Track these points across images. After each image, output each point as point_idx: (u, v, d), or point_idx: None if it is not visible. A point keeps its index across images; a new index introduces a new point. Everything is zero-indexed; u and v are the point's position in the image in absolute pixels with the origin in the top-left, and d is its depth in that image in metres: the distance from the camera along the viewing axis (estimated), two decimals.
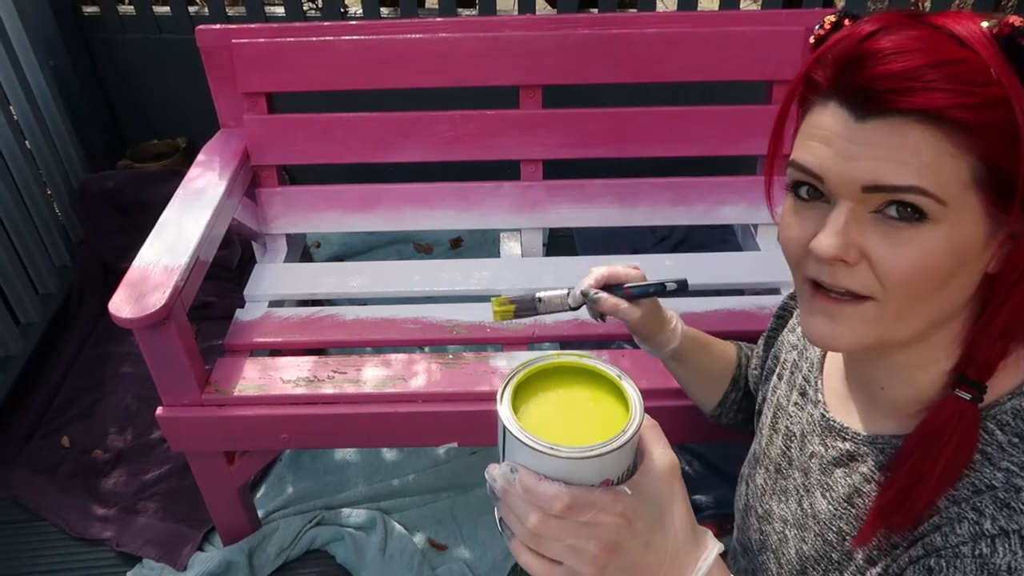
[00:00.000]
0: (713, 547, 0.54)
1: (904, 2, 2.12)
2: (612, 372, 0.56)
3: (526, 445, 0.50)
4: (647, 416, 0.53)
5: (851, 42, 0.53)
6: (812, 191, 0.57)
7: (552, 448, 0.49)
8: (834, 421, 0.69)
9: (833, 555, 0.66)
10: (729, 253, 1.67)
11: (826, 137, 0.54)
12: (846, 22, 0.57)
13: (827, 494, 0.68)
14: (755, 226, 1.70)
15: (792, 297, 0.87)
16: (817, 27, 0.58)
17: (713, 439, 1.61)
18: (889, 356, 0.62)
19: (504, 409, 0.53)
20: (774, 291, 1.55)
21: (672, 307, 1.47)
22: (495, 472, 0.52)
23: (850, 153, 0.52)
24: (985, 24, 0.51)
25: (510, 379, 0.55)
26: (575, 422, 0.54)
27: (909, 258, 0.53)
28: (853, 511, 0.65)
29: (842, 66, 0.53)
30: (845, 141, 0.53)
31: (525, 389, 0.56)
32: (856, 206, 0.54)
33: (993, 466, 0.55)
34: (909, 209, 0.52)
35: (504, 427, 0.52)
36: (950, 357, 0.60)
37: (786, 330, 0.83)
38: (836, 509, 0.66)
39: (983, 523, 0.53)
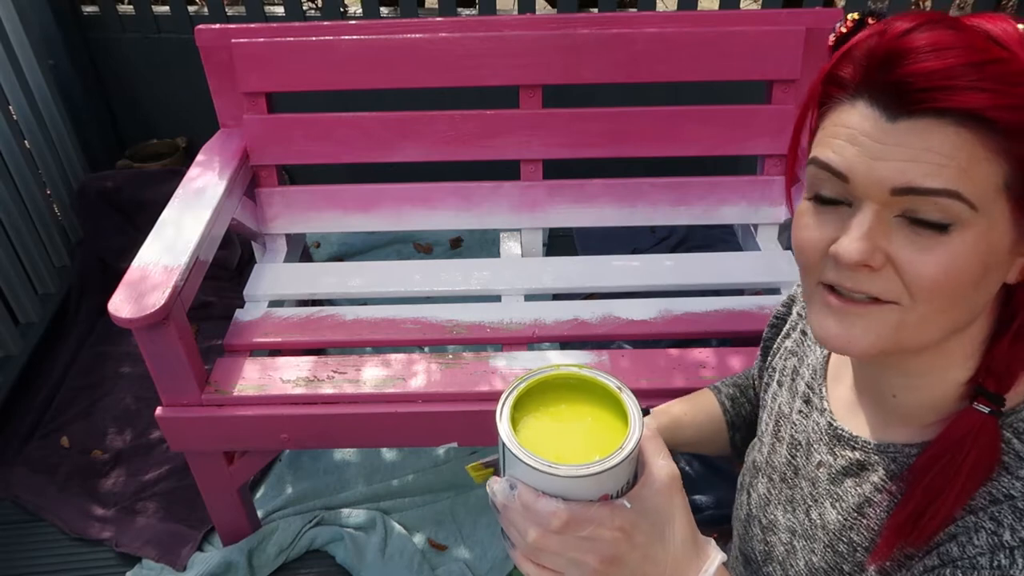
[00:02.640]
0: (716, 556, 0.54)
1: (905, 2, 2.12)
2: (612, 384, 0.56)
3: (524, 463, 0.50)
4: (648, 426, 0.54)
5: (885, 39, 0.50)
6: (832, 192, 0.54)
7: (550, 466, 0.50)
8: (842, 430, 0.67)
9: (844, 567, 0.64)
10: (729, 253, 1.67)
11: (852, 136, 0.52)
12: (869, 20, 0.55)
13: (837, 504, 0.66)
14: (755, 226, 1.70)
15: (786, 305, 0.83)
16: (838, 24, 0.57)
17: None
18: (903, 363, 0.60)
19: (504, 426, 0.53)
20: (774, 291, 1.55)
21: (668, 307, 1.47)
22: (495, 487, 0.53)
23: (879, 154, 0.50)
24: (1022, 26, 0.50)
25: (510, 392, 0.55)
26: (574, 437, 0.54)
27: (938, 264, 0.51)
28: (864, 521, 0.64)
29: (875, 63, 0.51)
30: (874, 141, 0.51)
31: (526, 401, 0.56)
32: (881, 209, 0.52)
33: (1011, 475, 0.54)
34: (936, 216, 0.50)
35: (503, 443, 0.52)
36: (966, 367, 0.58)
37: (781, 336, 0.80)
38: (846, 519, 0.65)
39: (1002, 534, 0.52)
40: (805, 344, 0.76)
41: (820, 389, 0.71)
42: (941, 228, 0.50)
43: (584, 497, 0.51)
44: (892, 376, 0.62)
